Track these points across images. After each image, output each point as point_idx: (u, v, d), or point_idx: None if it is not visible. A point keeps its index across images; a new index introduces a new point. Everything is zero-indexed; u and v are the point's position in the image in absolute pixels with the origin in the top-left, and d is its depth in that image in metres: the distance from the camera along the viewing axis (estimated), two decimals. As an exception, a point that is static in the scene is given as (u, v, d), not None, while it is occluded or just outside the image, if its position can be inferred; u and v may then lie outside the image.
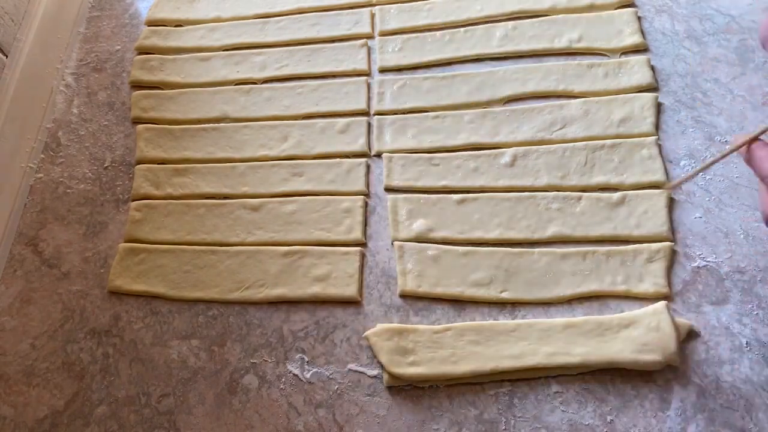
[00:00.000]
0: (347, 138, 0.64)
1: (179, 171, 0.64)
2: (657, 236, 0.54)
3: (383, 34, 0.71)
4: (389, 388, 0.50)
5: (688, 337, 0.50)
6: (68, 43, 0.76)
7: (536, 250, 0.55)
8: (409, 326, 0.52)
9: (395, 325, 0.52)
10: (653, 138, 0.59)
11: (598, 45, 0.66)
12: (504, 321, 0.51)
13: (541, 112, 0.62)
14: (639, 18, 0.67)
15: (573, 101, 0.62)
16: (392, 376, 0.50)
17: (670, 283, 0.52)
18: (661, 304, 0.50)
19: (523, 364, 0.49)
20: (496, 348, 0.50)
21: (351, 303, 0.55)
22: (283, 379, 0.52)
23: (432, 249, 0.56)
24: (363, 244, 0.58)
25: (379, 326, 0.52)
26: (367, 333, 0.52)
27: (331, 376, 0.52)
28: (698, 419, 0.47)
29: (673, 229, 0.55)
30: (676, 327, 0.49)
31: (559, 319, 0.51)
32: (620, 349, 0.48)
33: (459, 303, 0.54)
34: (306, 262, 0.57)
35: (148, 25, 0.76)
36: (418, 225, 0.58)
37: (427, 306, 0.54)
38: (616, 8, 0.68)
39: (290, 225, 0.59)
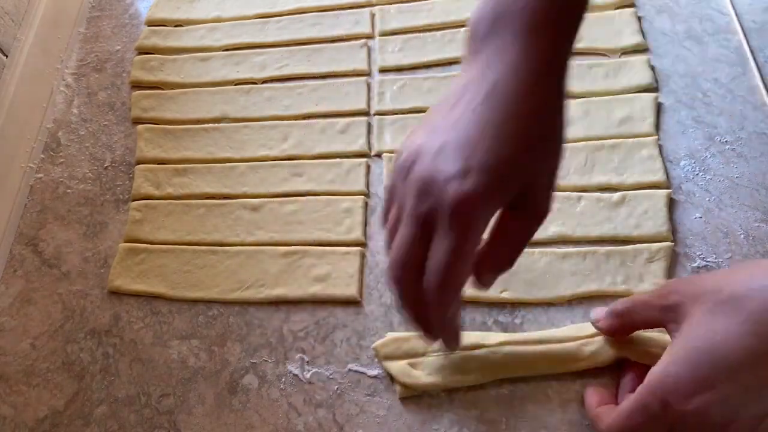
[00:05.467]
0: (347, 138, 0.64)
1: (179, 171, 0.64)
2: (657, 236, 0.54)
3: (383, 34, 0.71)
4: (389, 388, 0.50)
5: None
6: (68, 43, 0.76)
7: (536, 250, 0.55)
8: (413, 333, 0.51)
9: (403, 334, 0.51)
10: (653, 138, 0.59)
11: (598, 45, 0.66)
12: (511, 334, 0.51)
13: (541, 112, 0.62)
14: (639, 18, 0.67)
15: (573, 101, 0.62)
16: (405, 387, 0.49)
17: (670, 283, 0.52)
18: None
19: (531, 373, 0.48)
20: (502, 354, 0.49)
21: (351, 303, 0.55)
22: (283, 379, 0.52)
23: (432, 249, 0.56)
24: (363, 244, 0.58)
25: (389, 336, 0.52)
26: (375, 345, 0.51)
27: (331, 376, 0.52)
28: (698, 419, 0.47)
29: (673, 229, 0.55)
30: None
31: (561, 322, 0.51)
32: (624, 345, 0.48)
33: (459, 303, 0.54)
34: (306, 262, 0.57)
35: (148, 25, 0.76)
36: (418, 225, 0.57)
37: (427, 306, 0.54)
38: (616, 8, 0.68)
39: (290, 225, 0.59)
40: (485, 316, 0.53)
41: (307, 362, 0.53)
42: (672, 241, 0.54)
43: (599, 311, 0.48)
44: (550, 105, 0.37)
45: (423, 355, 0.50)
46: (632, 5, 0.68)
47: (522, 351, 0.49)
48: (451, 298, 0.38)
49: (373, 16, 0.73)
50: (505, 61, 0.36)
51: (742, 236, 0.54)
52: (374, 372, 0.51)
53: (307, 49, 0.71)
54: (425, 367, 0.50)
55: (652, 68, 0.63)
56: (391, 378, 0.50)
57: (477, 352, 0.49)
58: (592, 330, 0.48)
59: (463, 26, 0.70)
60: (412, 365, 0.50)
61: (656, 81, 0.63)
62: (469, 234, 0.36)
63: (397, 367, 0.50)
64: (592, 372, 0.49)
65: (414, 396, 0.50)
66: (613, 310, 0.46)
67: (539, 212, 0.39)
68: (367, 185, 0.61)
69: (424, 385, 0.49)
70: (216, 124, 0.67)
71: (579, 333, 0.49)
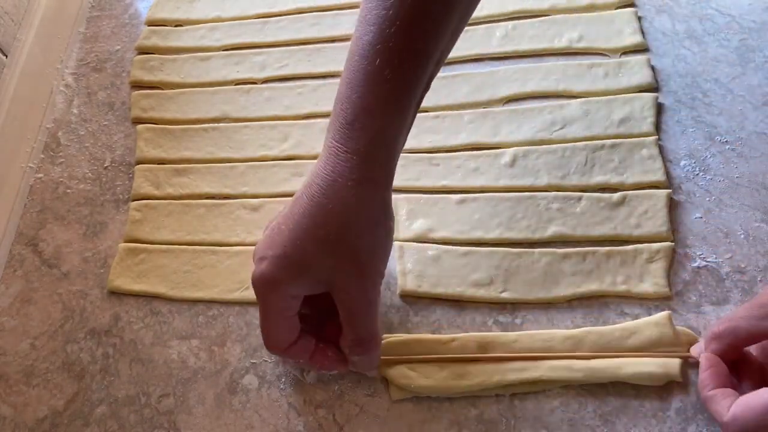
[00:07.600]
0: (347, 138, 0.64)
1: (179, 171, 0.64)
2: (657, 236, 0.54)
3: (383, 34, 0.71)
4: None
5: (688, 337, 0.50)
6: (68, 43, 0.76)
7: (536, 250, 0.55)
8: (413, 336, 0.51)
9: (399, 336, 0.52)
10: (653, 138, 0.59)
11: (598, 45, 0.66)
12: (505, 333, 0.51)
13: (541, 112, 0.62)
14: (639, 18, 0.67)
15: (573, 101, 0.62)
16: (400, 389, 0.49)
17: (670, 283, 0.52)
18: (664, 315, 0.49)
19: (527, 377, 0.48)
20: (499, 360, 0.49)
21: (351, 303, 0.55)
22: (283, 379, 0.52)
23: (432, 249, 0.56)
24: (363, 244, 0.58)
25: (384, 339, 0.51)
26: None
27: (331, 376, 0.52)
28: (698, 419, 0.47)
29: (673, 229, 0.55)
30: (678, 337, 0.48)
31: (559, 331, 0.50)
32: (623, 364, 0.48)
33: (459, 303, 0.54)
34: (306, 262, 0.57)
35: (148, 25, 0.76)
36: (418, 225, 0.58)
37: (427, 306, 0.54)
38: (616, 8, 0.68)
39: (290, 225, 0.59)
40: (485, 316, 0.53)
41: (307, 362, 0.52)
42: (672, 241, 0.54)
43: (698, 345, 0.47)
44: (352, 212, 0.43)
45: (419, 360, 0.50)
46: (632, 5, 0.68)
47: (520, 368, 0.49)
48: (282, 353, 0.47)
49: (373, 16, 0.73)
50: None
51: (742, 236, 0.54)
52: (374, 372, 0.51)
53: (307, 49, 0.71)
54: (422, 370, 0.49)
55: (652, 68, 0.63)
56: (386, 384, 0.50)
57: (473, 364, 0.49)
58: (591, 342, 0.49)
59: (463, 26, 0.70)
60: (409, 368, 0.50)
61: (656, 81, 0.63)
62: (263, 304, 0.45)
63: (392, 368, 0.50)
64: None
65: (409, 398, 0.50)
66: (711, 334, 0.45)
67: (357, 334, 0.45)
68: (367, 185, 0.61)
69: (420, 388, 0.49)
70: (216, 124, 0.67)
71: (575, 348, 0.49)
